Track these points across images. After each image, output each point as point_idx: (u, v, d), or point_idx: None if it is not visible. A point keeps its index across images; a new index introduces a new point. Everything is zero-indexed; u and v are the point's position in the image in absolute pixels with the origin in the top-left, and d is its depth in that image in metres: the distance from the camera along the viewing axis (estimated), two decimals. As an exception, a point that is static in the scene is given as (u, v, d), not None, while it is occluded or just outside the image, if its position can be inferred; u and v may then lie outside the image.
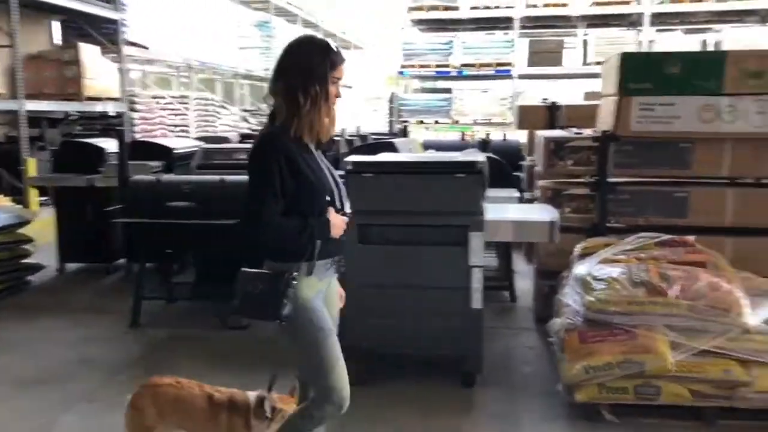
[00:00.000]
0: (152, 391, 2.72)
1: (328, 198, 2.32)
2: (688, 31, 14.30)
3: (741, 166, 4.40)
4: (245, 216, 2.25)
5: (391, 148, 5.48)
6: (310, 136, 2.31)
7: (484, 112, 15.04)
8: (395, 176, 3.67)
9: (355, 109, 18.41)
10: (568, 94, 12.33)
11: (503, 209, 4.14)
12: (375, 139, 7.89)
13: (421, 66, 14.72)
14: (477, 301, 3.64)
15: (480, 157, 3.76)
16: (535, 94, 12.96)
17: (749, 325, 3.14)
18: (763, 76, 4.23)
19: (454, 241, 3.57)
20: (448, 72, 14.75)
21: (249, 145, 6.31)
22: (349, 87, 17.11)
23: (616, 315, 3.30)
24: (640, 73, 4.39)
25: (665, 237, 3.95)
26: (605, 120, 4.62)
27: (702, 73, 4.31)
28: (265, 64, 13.30)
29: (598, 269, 3.59)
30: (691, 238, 3.98)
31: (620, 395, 3.24)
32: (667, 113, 4.38)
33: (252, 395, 2.63)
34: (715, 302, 3.20)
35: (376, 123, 14.97)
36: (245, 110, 12.59)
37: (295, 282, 2.24)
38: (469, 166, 3.54)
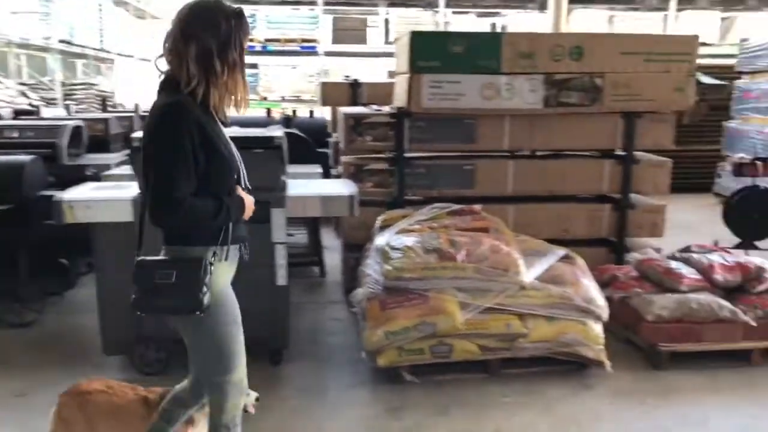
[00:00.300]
0: (80, 400, 2.42)
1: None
2: (480, 15, 15.38)
3: (518, 140, 4.85)
4: (153, 198, 1.96)
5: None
6: (223, 106, 2.10)
7: (293, 88, 14.93)
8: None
9: (155, 84, 17.26)
10: (373, 72, 12.71)
11: (305, 185, 4.16)
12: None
13: (222, 39, 14.17)
14: (282, 278, 3.63)
15: (278, 132, 3.72)
16: (342, 71, 13.15)
17: (525, 282, 3.50)
18: (533, 56, 4.67)
19: (255, 219, 3.51)
20: (253, 47, 14.36)
21: (23, 122, 5.73)
22: (148, 60, 16.02)
23: (412, 281, 3.49)
24: (429, 51, 4.63)
25: (456, 207, 4.25)
26: (400, 97, 4.82)
27: (483, 52, 4.65)
28: (45, 32, 11.93)
29: (396, 239, 3.76)
30: (477, 206, 4.32)
31: (418, 356, 3.45)
32: (453, 90, 4.67)
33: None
34: (495, 263, 3.51)
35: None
36: (23, 84, 11.23)
37: (212, 268, 2.04)
38: (267, 142, 3.49)
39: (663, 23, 14.36)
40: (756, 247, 5.69)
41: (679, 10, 14.41)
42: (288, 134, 4.69)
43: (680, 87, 4.78)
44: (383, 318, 3.43)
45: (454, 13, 15.15)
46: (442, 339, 3.44)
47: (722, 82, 8.48)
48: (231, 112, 2.19)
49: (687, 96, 4.80)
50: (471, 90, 4.68)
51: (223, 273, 2.13)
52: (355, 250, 4.59)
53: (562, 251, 3.90)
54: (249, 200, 2.18)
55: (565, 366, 3.61)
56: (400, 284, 3.52)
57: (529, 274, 3.55)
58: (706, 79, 8.60)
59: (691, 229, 6.78)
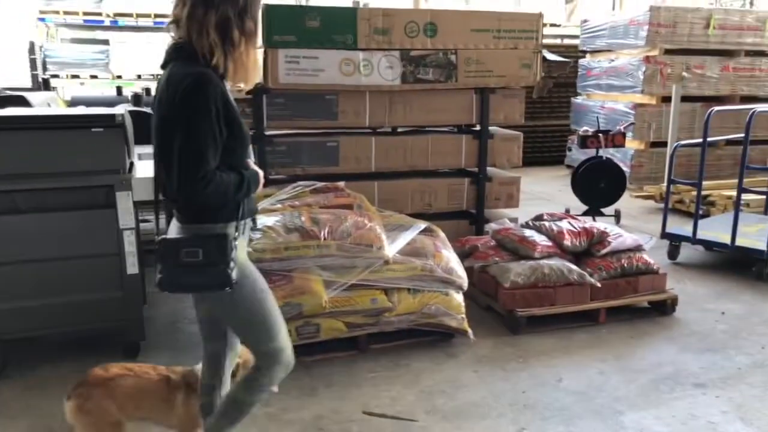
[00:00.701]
0: (105, 388, 2.34)
1: None
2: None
3: (378, 117, 4.85)
4: (185, 173, 1.89)
5: (23, 102, 4.75)
6: (237, 79, 2.03)
7: (148, 66, 14.05)
8: (17, 133, 3.14)
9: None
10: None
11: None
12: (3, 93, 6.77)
13: (66, 12, 13.04)
14: (132, 266, 3.39)
15: (120, 110, 3.45)
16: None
17: (389, 257, 3.50)
18: (388, 33, 4.67)
19: (98, 204, 3.25)
20: (101, 21, 13.34)
21: None
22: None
23: (274, 262, 3.38)
24: (284, 25, 4.49)
25: (319, 184, 4.17)
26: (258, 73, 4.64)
27: (339, 27, 4.59)
28: None
29: (257, 220, 3.62)
30: (340, 183, 4.28)
31: (283, 338, 3.35)
32: (312, 66, 4.58)
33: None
34: (359, 239, 3.48)
35: (19, 76, 12.88)
36: None
37: (236, 243, 2.02)
38: (107, 120, 3.21)
39: (515, 5, 15.01)
40: (602, 214, 6.15)
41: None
42: (135, 113, 4.39)
43: (527, 63, 4.99)
44: (245, 302, 3.30)
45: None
46: (309, 319, 3.38)
47: (565, 59, 9.00)
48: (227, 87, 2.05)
49: (533, 72, 5.02)
50: (329, 66, 4.61)
51: (242, 247, 2.13)
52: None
53: (423, 224, 3.95)
54: (260, 174, 2.17)
55: (430, 337, 3.68)
56: (262, 266, 3.37)
57: (392, 248, 3.56)
58: (551, 56, 9.10)
59: (546, 199, 7.21)
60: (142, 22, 13.73)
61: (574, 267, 3.98)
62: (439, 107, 4.93)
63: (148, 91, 8.51)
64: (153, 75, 13.92)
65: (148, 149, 4.40)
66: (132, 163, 3.49)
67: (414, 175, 5.02)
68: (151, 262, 3.44)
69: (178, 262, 1.97)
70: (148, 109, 5.67)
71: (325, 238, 3.44)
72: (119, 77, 13.81)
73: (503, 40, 4.88)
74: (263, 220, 3.58)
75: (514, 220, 4.98)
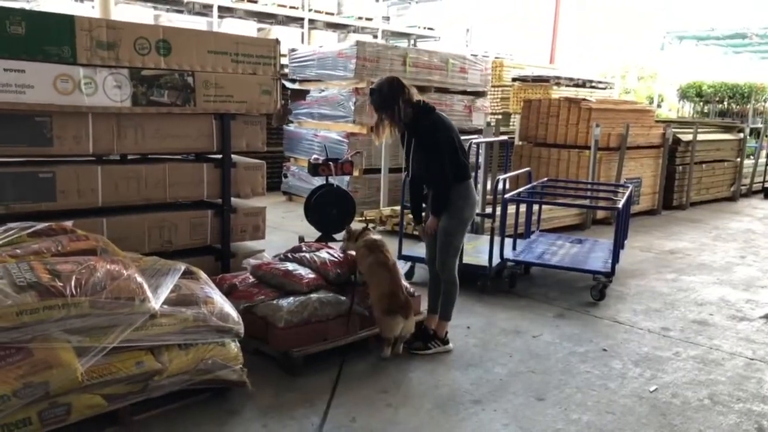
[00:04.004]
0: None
1: None
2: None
3: (105, 143, 4.17)
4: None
5: None
6: None
7: None
8: None
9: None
10: None
11: None
12: None
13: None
14: None
15: None
16: None
17: (155, 310, 2.97)
18: (115, 47, 4.07)
19: None
20: None
21: None
22: None
23: (3, 332, 2.60)
24: (-23, 29, 3.59)
25: (40, 225, 3.38)
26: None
27: (51, 37, 3.85)
28: None
29: (-36, 278, 2.75)
30: (68, 223, 3.54)
31: (23, 429, 2.59)
32: (16, 81, 3.77)
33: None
34: (117, 292, 2.88)
35: None
36: None
37: None
38: None
39: (209, 29, 14.68)
40: (335, 239, 6.23)
41: (220, 17, 14.97)
42: None
43: (267, 90, 4.81)
44: (-37, 391, 2.46)
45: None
46: (56, 399, 2.67)
47: (304, 88, 9.11)
48: None
49: (274, 99, 4.87)
50: (41, 82, 3.83)
51: None
52: None
53: (182, 266, 3.46)
54: None
55: (202, 395, 3.24)
56: (-17, 339, 2.58)
57: (157, 299, 3.03)
58: (290, 84, 9.13)
59: (273, 227, 7.05)
60: None
61: (343, 298, 3.91)
62: (177, 133, 4.45)
63: None
64: None
65: None
66: None
67: (150, 208, 4.44)
68: None
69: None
70: None
71: (73, 295, 2.76)
72: None
73: (242, 64, 4.62)
74: (-24, 278, 2.74)
75: (260, 252, 4.76)
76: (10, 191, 3.84)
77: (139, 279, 3.03)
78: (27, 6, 11.66)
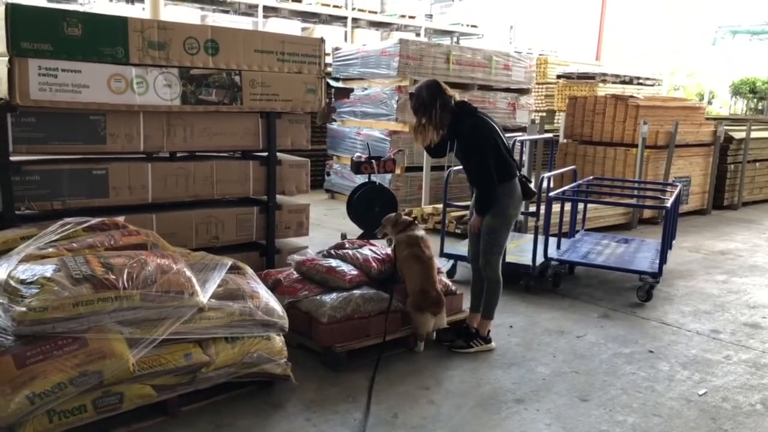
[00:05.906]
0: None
1: None
2: None
3: (155, 140, 4.29)
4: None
5: None
6: None
7: None
8: None
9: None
10: None
11: None
12: None
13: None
14: None
15: None
16: None
17: (203, 303, 3.04)
18: (165, 48, 4.18)
19: None
20: None
21: None
22: None
23: (60, 322, 2.70)
24: (36, 30, 3.73)
25: (93, 221, 3.50)
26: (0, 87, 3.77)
27: (105, 39, 3.97)
28: None
29: (24, 270, 2.88)
30: (120, 218, 3.66)
31: (78, 417, 2.69)
32: (73, 81, 3.90)
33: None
34: (167, 286, 2.97)
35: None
36: None
37: None
38: None
39: (254, 29, 14.90)
40: (377, 237, 6.26)
41: (265, 17, 15.17)
42: None
43: (312, 88, 4.86)
44: (23, 378, 2.57)
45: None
46: (109, 388, 2.76)
47: (348, 87, 9.19)
48: None
49: (318, 97, 4.92)
50: (96, 81, 3.95)
51: None
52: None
53: (229, 261, 3.54)
54: None
55: (247, 388, 3.30)
56: (42, 329, 2.69)
57: (205, 293, 3.11)
58: (334, 83, 9.23)
59: (315, 224, 7.12)
60: None
61: (385, 294, 3.93)
62: (224, 131, 4.54)
63: None
64: None
65: None
66: None
67: (198, 205, 4.54)
68: None
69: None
70: None
71: (125, 288, 2.86)
72: None
73: (287, 63, 4.68)
74: (36, 270, 2.87)
75: (304, 249, 4.82)
76: (66, 187, 3.99)
77: (188, 273, 3.11)
78: (81, 8, 12.05)
